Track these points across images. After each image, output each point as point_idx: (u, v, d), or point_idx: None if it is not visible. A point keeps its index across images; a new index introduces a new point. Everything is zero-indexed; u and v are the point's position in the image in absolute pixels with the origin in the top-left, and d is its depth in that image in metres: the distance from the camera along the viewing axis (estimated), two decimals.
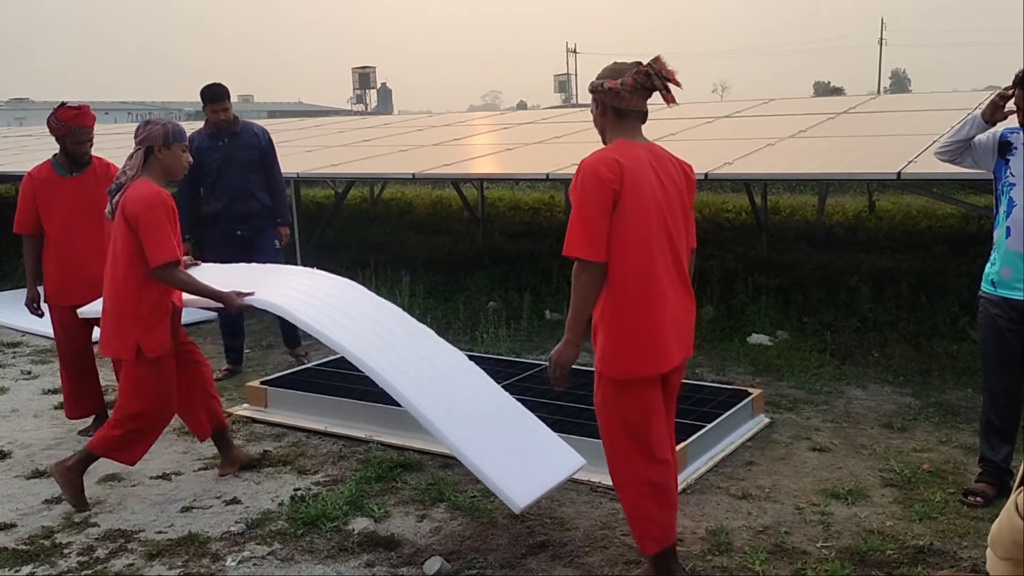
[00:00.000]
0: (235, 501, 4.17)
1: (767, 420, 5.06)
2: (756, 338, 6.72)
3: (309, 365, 6.02)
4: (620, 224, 3.05)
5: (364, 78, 64.68)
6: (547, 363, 3.20)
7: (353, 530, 3.82)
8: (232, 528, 3.89)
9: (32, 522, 4.00)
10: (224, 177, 6.07)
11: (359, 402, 5.09)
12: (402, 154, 9.65)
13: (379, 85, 71.36)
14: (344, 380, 5.52)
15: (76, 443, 5.01)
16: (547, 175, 7.42)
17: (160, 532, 3.88)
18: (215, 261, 6.20)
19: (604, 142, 3.23)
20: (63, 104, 4.98)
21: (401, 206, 15.94)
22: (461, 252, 10.82)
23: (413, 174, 8.24)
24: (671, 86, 3.12)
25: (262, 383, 5.52)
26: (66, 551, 3.72)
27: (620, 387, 3.16)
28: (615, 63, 3.20)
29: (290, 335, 6.54)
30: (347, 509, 3.98)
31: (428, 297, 8.16)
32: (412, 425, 4.86)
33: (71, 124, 4.91)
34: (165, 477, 4.49)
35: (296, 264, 8.78)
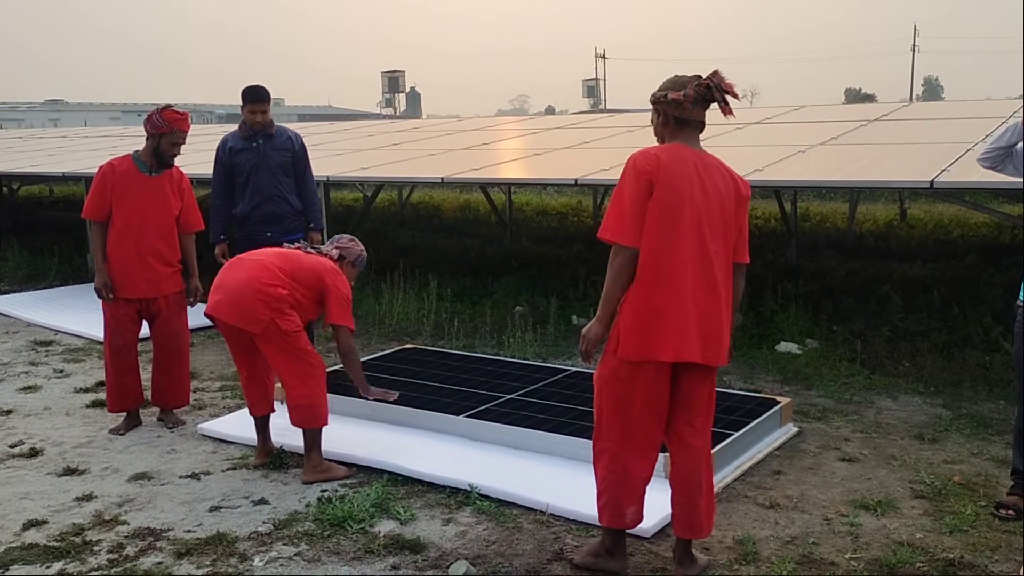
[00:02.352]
0: (263, 501, 4.20)
1: (795, 429, 5.02)
2: (785, 346, 6.67)
3: (337, 367, 6.04)
4: (652, 213, 3.19)
5: (393, 82, 64.99)
6: (578, 353, 3.38)
7: (379, 532, 3.83)
8: (260, 528, 3.92)
9: (63, 519, 4.05)
10: (255, 178, 6.11)
11: (381, 404, 5.11)
12: (431, 158, 9.69)
13: (408, 89, 71.67)
14: (371, 382, 5.54)
15: (108, 441, 5.07)
16: (575, 180, 7.41)
17: (189, 531, 3.91)
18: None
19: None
20: (169, 106, 5.25)
21: (429, 210, 16.00)
22: (488, 256, 10.83)
23: (442, 178, 8.27)
24: (729, 98, 3.29)
25: None
26: (96, 548, 3.76)
27: (618, 365, 3.29)
28: (676, 76, 3.36)
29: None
30: (373, 511, 4.00)
31: (455, 301, 8.18)
32: (438, 426, 4.88)
33: (173, 126, 5.18)
34: (194, 476, 4.53)
35: None
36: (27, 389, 6.15)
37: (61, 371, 6.61)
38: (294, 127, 8.58)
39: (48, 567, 3.61)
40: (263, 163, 6.11)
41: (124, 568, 3.59)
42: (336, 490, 4.30)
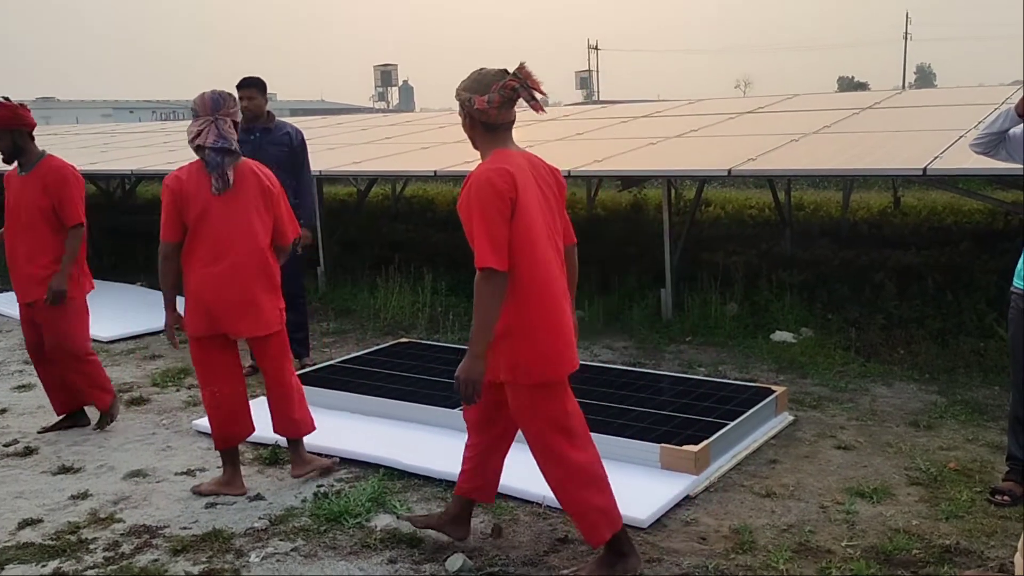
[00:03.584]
0: (259, 497, 4.19)
1: (791, 418, 5.02)
2: (780, 335, 6.67)
3: (333, 362, 6.04)
4: (518, 233, 3.11)
5: (386, 76, 64.85)
6: (456, 382, 3.12)
7: (376, 527, 3.83)
8: (256, 524, 3.91)
9: (58, 517, 4.04)
10: None
11: (376, 398, 5.11)
12: (424, 151, 9.66)
13: (401, 83, 71.50)
14: (366, 377, 5.54)
15: (103, 439, 5.06)
16: (568, 172, 7.39)
17: (185, 528, 3.90)
18: None
19: (476, 148, 3.32)
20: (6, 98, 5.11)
21: (423, 203, 15.96)
22: None
23: (435, 171, 8.25)
24: (537, 94, 3.21)
25: None
26: (92, 547, 3.75)
27: (537, 391, 3.23)
28: (480, 71, 3.23)
29: (301, 345, 6.39)
30: (370, 506, 3.99)
31: (450, 294, 8.17)
32: (433, 420, 4.88)
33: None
34: (189, 473, 4.52)
35: (319, 262, 8.84)
36: (21, 388, 6.13)
37: None
38: (288, 121, 8.54)
39: (44, 566, 3.60)
40: (258, 156, 6.04)
41: (120, 566, 3.58)
42: (332, 485, 4.29)
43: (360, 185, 14.40)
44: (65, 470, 4.60)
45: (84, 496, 4.26)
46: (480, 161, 3.25)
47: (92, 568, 3.58)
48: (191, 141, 4.18)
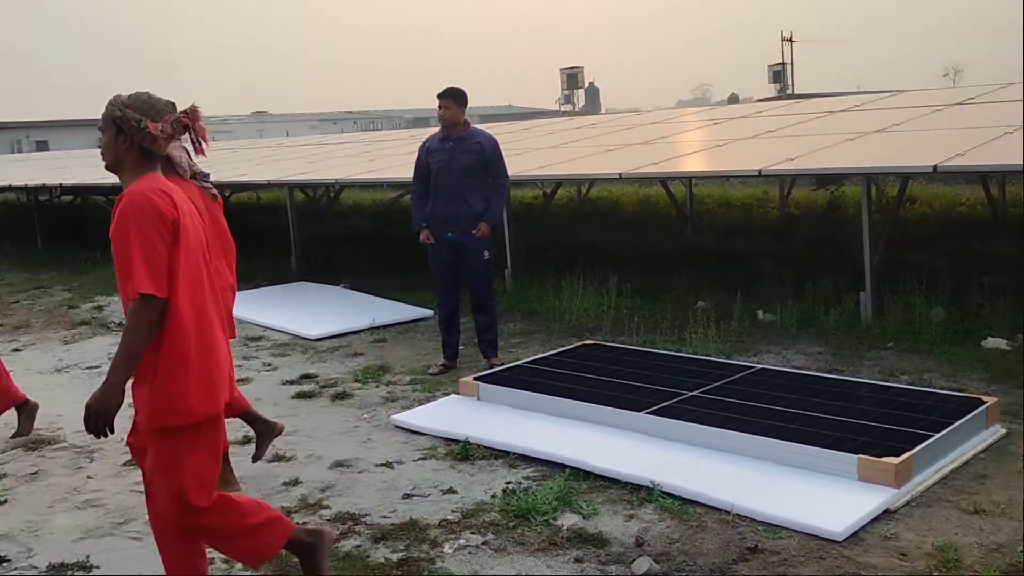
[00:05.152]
0: (451, 491, 4.37)
1: (1003, 431, 4.68)
2: (992, 342, 6.22)
3: (519, 362, 6.19)
4: (178, 261, 2.97)
5: (572, 78, 65.26)
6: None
7: (562, 525, 3.90)
8: (449, 516, 4.08)
9: (273, 502, 4.34)
10: (441, 178, 6.33)
11: (561, 399, 5.19)
12: (609, 154, 9.69)
13: (587, 84, 71.74)
14: (552, 378, 5.64)
15: (311, 430, 5.42)
16: (759, 171, 7.22)
17: (384, 517, 4.14)
18: (431, 261, 6.53)
19: (116, 170, 3.11)
20: None
21: (608, 205, 15.99)
22: (669, 251, 10.72)
23: (620, 174, 8.27)
24: (201, 139, 3.23)
25: (475, 378, 5.74)
26: None
27: (183, 435, 3.01)
28: (149, 96, 3.11)
29: (489, 346, 6.54)
30: (556, 504, 4.07)
31: (635, 296, 8.16)
32: (619, 423, 4.91)
33: None
34: (388, 465, 4.78)
35: (506, 265, 9.06)
36: (240, 381, 6.64)
37: (269, 364, 7.11)
38: (478, 127, 8.81)
39: None
40: (451, 164, 6.31)
41: None
42: (520, 483, 4.41)
43: (546, 188, 14.64)
44: (278, 458, 4.97)
45: (295, 483, 4.60)
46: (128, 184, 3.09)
47: None
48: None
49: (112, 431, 2.95)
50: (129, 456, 5.01)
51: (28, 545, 4.03)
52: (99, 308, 9.68)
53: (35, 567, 3.82)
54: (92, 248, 12.27)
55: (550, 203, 13.43)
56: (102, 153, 3.14)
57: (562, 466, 4.54)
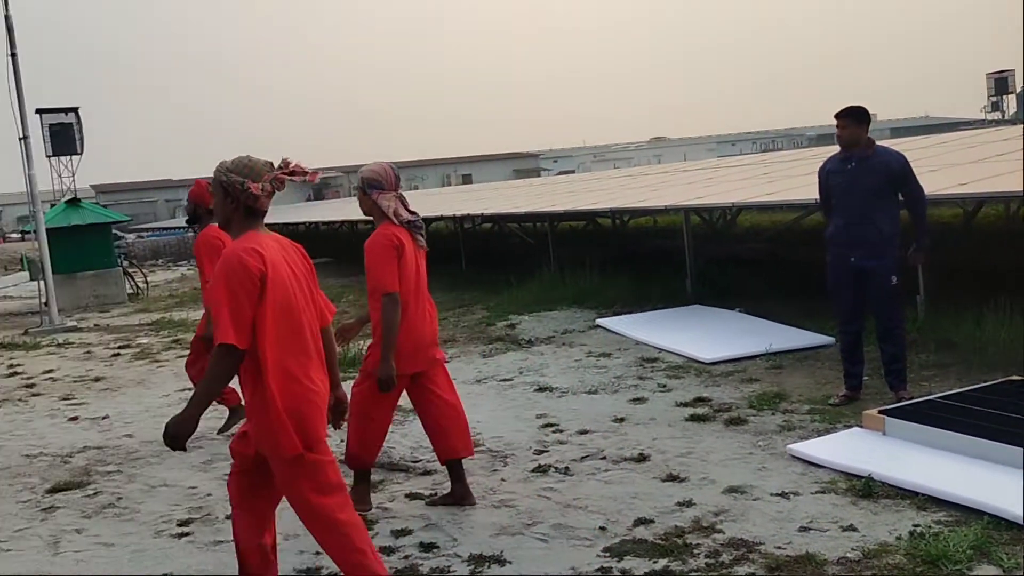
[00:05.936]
0: (851, 528, 4.17)
1: None
2: None
3: (932, 397, 5.71)
4: (271, 311, 3.29)
5: (1000, 83, 58.67)
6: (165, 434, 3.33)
7: None
8: (848, 555, 3.90)
9: (667, 520, 4.50)
10: (844, 200, 6.09)
11: (981, 439, 4.69)
12: None
13: (1018, 89, 63.94)
14: (969, 415, 5.13)
15: (706, 453, 5.47)
16: None
17: (779, 547, 4.06)
18: (830, 285, 6.27)
19: (227, 227, 3.51)
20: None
21: None
22: None
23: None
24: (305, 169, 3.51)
25: (880, 411, 5.41)
26: (695, 551, 4.11)
27: (288, 466, 3.40)
28: (249, 159, 3.45)
29: (896, 377, 6.11)
30: (971, 554, 3.71)
31: None
32: None
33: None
34: (784, 495, 4.67)
35: (918, 291, 8.38)
36: (636, 400, 6.92)
37: (664, 386, 7.29)
38: (886, 143, 8.31)
39: (655, 562, 4.05)
40: (854, 185, 6.05)
41: (720, 573, 3.87)
42: (930, 526, 4.08)
43: (967, 206, 13.28)
44: (672, 478, 5.09)
45: (688, 504, 4.68)
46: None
47: (696, 571, 3.92)
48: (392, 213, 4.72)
49: (185, 451, 3.45)
50: (537, 463, 5.49)
51: (453, 535, 4.56)
52: (512, 326, 10.61)
53: (458, 555, 4.31)
54: (507, 270, 13.49)
55: (971, 222, 12.17)
56: (214, 213, 3.71)
57: (980, 513, 4.12)
